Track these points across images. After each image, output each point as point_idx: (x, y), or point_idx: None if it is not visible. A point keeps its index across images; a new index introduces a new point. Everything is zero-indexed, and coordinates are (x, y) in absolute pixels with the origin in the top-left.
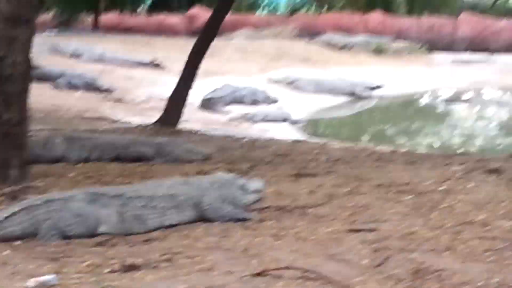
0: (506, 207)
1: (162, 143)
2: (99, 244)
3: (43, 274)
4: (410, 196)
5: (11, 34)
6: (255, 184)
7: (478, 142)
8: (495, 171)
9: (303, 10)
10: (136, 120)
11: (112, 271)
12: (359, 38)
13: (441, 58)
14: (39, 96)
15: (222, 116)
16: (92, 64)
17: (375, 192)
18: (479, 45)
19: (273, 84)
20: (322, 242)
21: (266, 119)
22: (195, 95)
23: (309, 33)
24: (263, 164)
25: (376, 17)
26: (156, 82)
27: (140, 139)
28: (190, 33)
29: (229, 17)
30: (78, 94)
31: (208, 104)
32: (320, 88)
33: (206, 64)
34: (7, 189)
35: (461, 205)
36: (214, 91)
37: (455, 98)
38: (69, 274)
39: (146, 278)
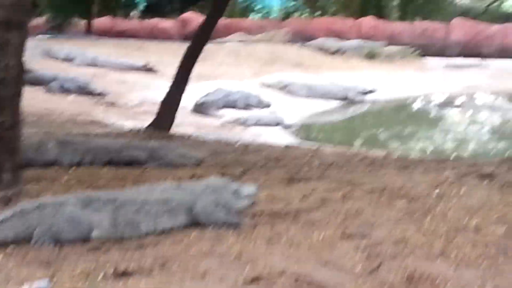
0: (499, 212)
1: (155, 147)
2: (92, 249)
3: (37, 279)
4: (403, 201)
5: (4, 38)
6: (248, 188)
7: (471, 147)
8: (488, 176)
9: (296, 15)
10: (129, 124)
11: (105, 277)
12: (352, 43)
13: (434, 62)
14: (32, 100)
15: (215, 120)
16: (85, 68)
17: (368, 197)
18: (472, 50)
19: (266, 89)
20: (315, 248)
21: (259, 123)
22: (188, 99)
23: (302, 37)
24: (256, 169)
25: (368, 21)
26: (149, 86)
27: (133, 143)
28: (183, 37)
29: (222, 21)
30: (71, 98)
31: (201, 108)
32: (313, 93)
33: (199, 68)
34: None
35: (454, 210)
36: (207, 95)
37: (448, 103)
38: (62, 279)
39: (139, 284)
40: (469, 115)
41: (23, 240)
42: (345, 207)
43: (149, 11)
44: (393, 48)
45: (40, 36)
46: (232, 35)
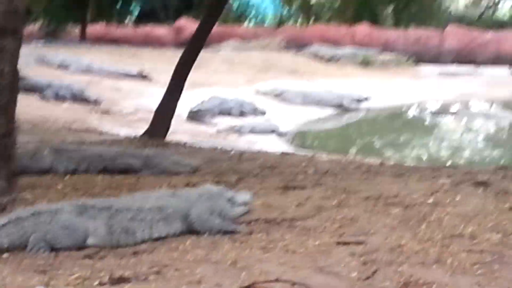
0: (494, 219)
1: (149, 155)
2: (88, 256)
3: (32, 286)
4: (398, 209)
5: None
6: (243, 196)
7: (466, 154)
8: (483, 184)
9: (290, 22)
10: (124, 131)
11: (101, 284)
12: (346, 50)
13: (428, 70)
14: (27, 107)
15: (209, 128)
16: (79, 75)
17: (363, 205)
18: (465, 57)
19: (260, 96)
20: (311, 255)
21: (253, 131)
22: (182, 106)
23: (296, 45)
24: (251, 177)
25: (363, 29)
26: (144, 94)
27: (128, 151)
28: (177, 44)
29: (217, 28)
30: (66, 105)
31: (195, 116)
32: (308, 100)
33: (193, 75)
34: None
35: (449, 217)
36: (202, 103)
37: (442, 111)
38: (57, 286)
39: None
40: (464, 122)
41: (18, 248)
42: (340, 214)
43: (143, 18)
44: (387, 56)
45: (34, 43)
46: (226, 43)
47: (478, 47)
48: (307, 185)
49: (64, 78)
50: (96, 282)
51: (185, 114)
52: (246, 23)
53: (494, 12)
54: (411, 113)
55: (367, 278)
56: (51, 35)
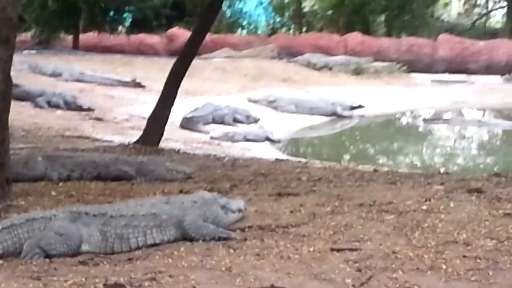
0: (488, 226)
1: (143, 162)
2: (82, 263)
3: None
4: (392, 216)
5: None
6: (237, 203)
7: (459, 161)
8: (477, 191)
9: (282, 31)
10: (117, 139)
11: None
12: (339, 59)
13: (421, 78)
14: (20, 114)
15: (203, 135)
16: (72, 83)
17: (357, 212)
18: (458, 66)
19: (253, 104)
20: (305, 261)
21: (247, 138)
22: (175, 114)
23: (289, 53)
24: (245, 183)
25: (355, 37)
26: (137, 101)
27: (121, 158)
28: (170, 53)
29: (209, 37)
30: (59, 113)
31: (189, 123)
32: (301, 108)
33: (186, 83)
34: None
35: (443, 224)
36: (195, 110)
37: (435, 118)
38: None
39: None
40: (457, 130)
41: (13, 254)
42: (334, 221)
43: (136, 27)
44: (380, 64)
45: (26, 51)
46: (219, 51)
47: (471, 55)
48: (301, 192)
49: (57, 86)
50: None
51: (179, 122)
52: (238, 32)
53: (486, 20)
54: (404, 120)
55: (362, 284)
56: (44, 43)
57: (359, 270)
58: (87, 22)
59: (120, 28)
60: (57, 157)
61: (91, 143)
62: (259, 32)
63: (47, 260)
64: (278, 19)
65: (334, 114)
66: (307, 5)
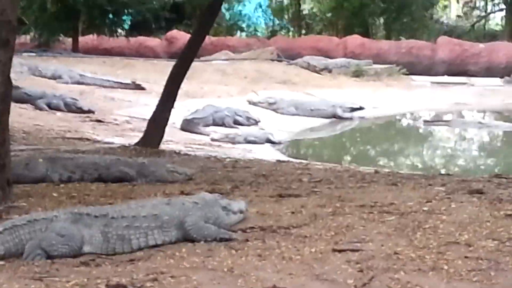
0: (489, 227)
1: (144, 163)
2: (84, 263)
3: None
4: (393, 217)
5: None
6: (238, 204)
7: (460, 163)
8: (478, 192)
9: (282, 33)
10: (118, 140)
11: None
12: (338, 61)
13: (421, 80)
14: (20, 116)
15: (203, 136)
16: (72, 86)
17: (358, 213)
18: (458, 68)
19: (253, 106)
20: (307, 262)
21: (247, 140)
22: (175, 116)
23: (288, 55)
24: (246, 185)
25: (354, 40)
26: (137, 103)
27: (122, 159)
28: (169, 55)
29: (209, 39)
30: (59, 115)
31: (189, 124)
32: (301, 110)
33: (185, 86)
34: None
35: (444, 225)
36: (196, 111)
37: (436, 120)
38: None
39: None
40: (457, 131)
41: (14, 255)
42: (335, 222)
43: (135, 29)
44: (379, 66)
45: (26, 53)
46: (218, 53)
47: (470, 57)
48: (302, 193)
49: (57, 88)
50: None
51: (179, 124)
52: (238, 34)
53: (485, 23)
54: (405, 122)
55: (364, 285)
56: (44, 46)
57: (361, 271)
58: (87, 24)
59: (119, 30)
60: (58, 159)
61: (92, 145)
62: (258, 34)
63: (49, 261)
64: (277, 22)
65: (334, 116)
66: (306, 8)
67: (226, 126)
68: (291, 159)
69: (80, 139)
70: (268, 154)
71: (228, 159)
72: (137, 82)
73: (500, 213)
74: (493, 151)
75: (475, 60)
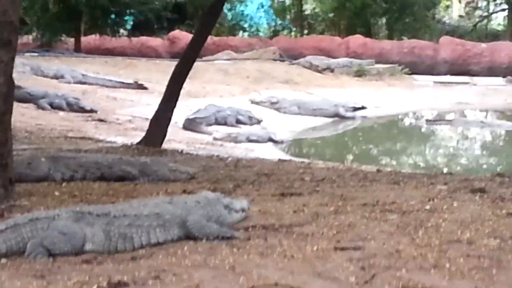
0: (491, 225)
1: (146, 162)
2: (86, 261)
3: None
4: (395, 215)
5: None
6: (240, 203)
7: (462, 162)
8: (480, 191)
9: (284, 33)
10: (120, 140)
11: None
12: (341, 61)
13: (423, 80)
14: (23, 116)
15: (206, 136)
16: (75, 85)
17: (360, 211)
18: (460, 67)
19: (255, 105)
20: (309, 260)
21: (250, 139)
22: (178, 115)
23: (291, 55)
24: (248, 184)
25: (357, 40)
26: (139, 103)
27: (125, 158)
28: (171, 55)
29: (211, 39)
30: (62, 114)
31: (192, 124)
32: (304, 109)
33: (188, 85)
34: None
35: (446, 224)
36: (198, 111)
37: (438, 119)
38: None
39: None
40: (459, 131)
41: (16, 253)
42: (337, 221)
43: (137, 29)
44: (382, 66)
45: (28, 53)
46: (220, 53)
47: (473, 57)
48: (304, 192)
49: (59, 88)
50: (95, 287)
51: (181, 123)
52: (240, 34)
53: (487, 23)
54: (407, 121)
55: (365, 283)
56: (46, 46)
57: (363, 269)
58: (89, 25)
59: (121, 31)
60: (60, 158)
61: (94, 144)
62: (260, 34)
63: (51, 259)
64: (279, 22)
65: (336, 115)
66: (308, 8)
67: (228, 126)
68: (293, 158)
69: (82, 138)
70: (270, 153)
71: (230, 158)
72: (139, 82)
73: (502, 212)
74: (495, 150)
75: (477, 60)
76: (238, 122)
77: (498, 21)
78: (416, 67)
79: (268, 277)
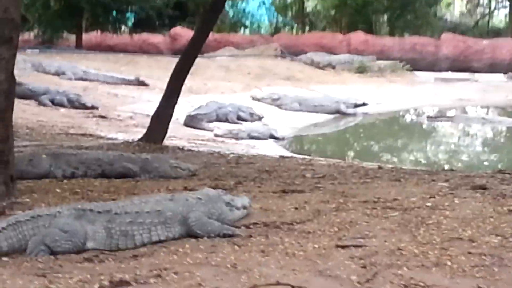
0: (492, 223)
1: (147, 159)
2: (87, 259)
3: None
4: (397, 212)
5: None
6: (241, 200)
7: (463, 158)
8: (481, 187)
9: (285, 30)
10: (121, 136)
11: (101, 287)
12: (342, 57)
13: (424, 76)
14: (24, 113)
15: (207, 132)
16: (76, 82)
17: (361, 208)
18: (461, 64)
19: (257, 102)
20: (310, 258)
21: (251, 135)
22: (179, 112)
23: (292, 52)
24: (249, 180)
25: (358, 36)
26: (140, 99)
27: (126, 155)
28: (173, 52)
29: (212, 36)
30: (63, 111)
31: (193, 120)
32: (305, 106)
33: (189, 82)
34: None
35: (448, 221)
36: (199, 107)
37: (439, 116)
38: None
39: None
40: (461, 127)
41: (18, 251)
42: (339, 218)
43: (139, 26)
44: (383, 62)
45: (29, 50)
46: (222, 50)
47: (474, 54)
48: (305, 189)
49: (60, 85)
50: (96, 285)
51: (182, 119)
52: (241, 31)
53: (489, 20)
54: (408, 118)
55: (367, 280)
56: (47, 43)
57: (364, 267)
58: (90, 22)
59: (123, 27)
60: (62, 155)
61: (95, 141)
62: (262, 31)
63: (52, 257)
64: (280, 19)
65: (338, 111)
66: (309, 5)
67: (229, 122)
68: (294, 155)
69: (83, 135)
70: (272, 149)
71: (231, 155)
72: (141, 79)
73: (504, 209)
74: (496, 146)
75: (479, 57)
76: (239, 118)
77: (499, 18)
78: (417, 64)
79: (270, 275)
